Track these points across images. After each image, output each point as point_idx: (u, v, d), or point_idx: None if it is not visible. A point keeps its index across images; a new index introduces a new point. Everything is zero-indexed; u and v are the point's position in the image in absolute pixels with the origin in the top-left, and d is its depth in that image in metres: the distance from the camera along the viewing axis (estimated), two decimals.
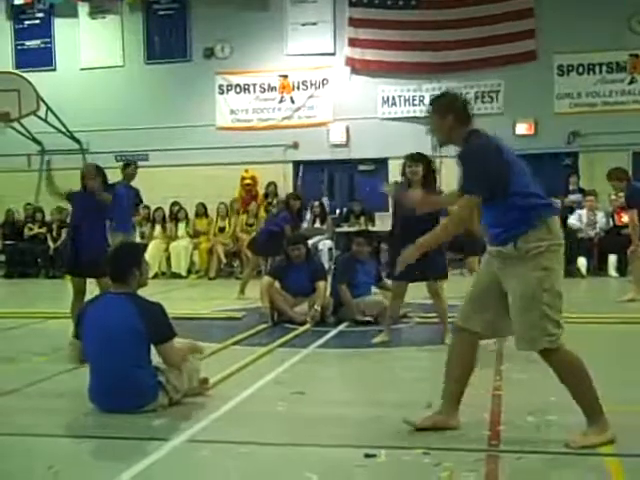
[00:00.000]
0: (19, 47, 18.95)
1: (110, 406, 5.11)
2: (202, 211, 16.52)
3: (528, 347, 4.31)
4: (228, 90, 17.92)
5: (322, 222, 15.82)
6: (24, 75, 17.12)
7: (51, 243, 16.75)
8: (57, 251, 16.42)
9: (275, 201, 16.09)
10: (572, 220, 14.41)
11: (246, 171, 16.91)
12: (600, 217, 14.43)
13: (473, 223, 4.76)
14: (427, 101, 16.33)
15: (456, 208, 4.50)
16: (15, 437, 4.72)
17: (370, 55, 17.06)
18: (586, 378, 4.28)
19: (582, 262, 13.72)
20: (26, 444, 4.60)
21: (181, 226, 16.39)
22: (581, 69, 16.52)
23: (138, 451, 4.38)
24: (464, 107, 4.56)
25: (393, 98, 17.11)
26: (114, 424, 4.89)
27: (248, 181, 16.78)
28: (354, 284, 9.10)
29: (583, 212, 14.50)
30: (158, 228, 16.29)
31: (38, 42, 18.86)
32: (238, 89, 17.89)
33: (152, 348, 5.25)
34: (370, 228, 14.85)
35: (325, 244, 15.29)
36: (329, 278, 9.56)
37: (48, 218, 17.35)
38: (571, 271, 13.52)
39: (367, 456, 4.13)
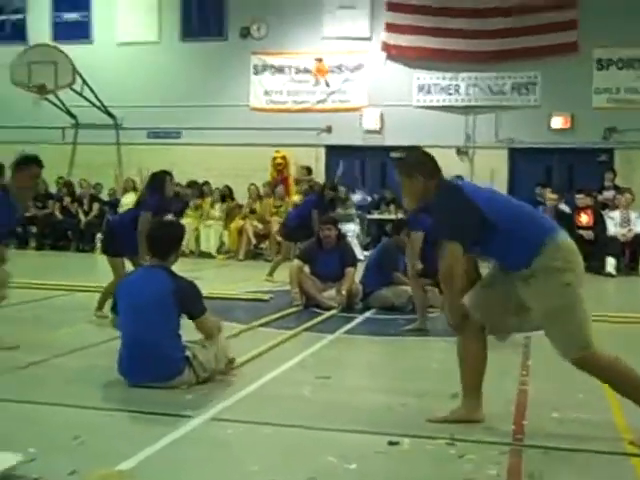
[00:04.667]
0: (57, 20, 19.08)
1: (137, 375, 5.17)
2: (227, 193, 16.51)
3: (562, 356, 4.30)
4: (263, 71, 17.91)
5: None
6: (61, 48, 17.20)
7: (82, 217, 16.85)
8: (88, 225, 16.54)
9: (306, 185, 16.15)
10: (610, 227, 14.03)
11: (277, 151, 16.91)
12: (634, 217, 14.04)
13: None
14: (463, 90, 16.55)
15: (442, 264, 4.37)
16: (43, 406, 4.78)
17: (406, 41, 16.97)
18: (629, 376, 4.22)
19: (611, 262, 13.35)
20: (54, 414, 4.65)
21: (215, 205, 16.38)
22: (621, 64, 16.31)
23: (163, 426, 4.41)
24: (430, 161, 4.53)
25: (428, 86, 17.01)
26: (141, 398, 4.94)
27: (279, 161, 16.78)
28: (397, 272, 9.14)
29: (616, 213, 14.15)
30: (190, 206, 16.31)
31: (76, 15, 18.96)
32: (273, 70, 17.87)
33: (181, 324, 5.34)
34: (400, 216, 14.77)
35: (350, 229, 15.28)
36: (359, 265, 9.54)
37: (79, 191, 17.46)
38: (598, 269, 13.23)
39: (390, 443, 4.13)
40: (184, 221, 14.28)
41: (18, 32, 19.18)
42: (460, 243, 4.31)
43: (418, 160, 4.57)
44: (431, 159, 4.55)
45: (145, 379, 5.14)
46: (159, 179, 8.30)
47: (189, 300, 5.32)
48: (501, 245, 4.30)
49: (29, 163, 6.54)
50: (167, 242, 5.53)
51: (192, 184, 13.12)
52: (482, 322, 4.49)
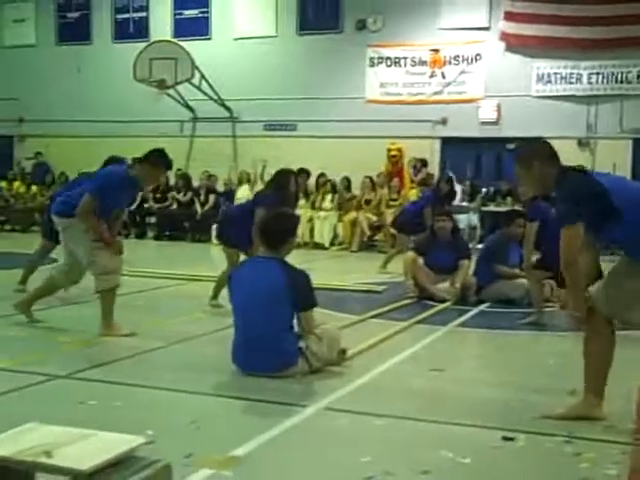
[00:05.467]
0: (177, 16, 19.51)
1: (251, 365, 5.22)
2: (345, 185, 16.55)
3: None
4: (379, 63, 17.84)
5: (470, 201, 15.71)
6: (181, 44, 17.61)
7: (199, 208, 17.21)
8: (204, 216, 16.89)
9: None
10: None
11: (392, 143, 16.86)
12: None
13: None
14: (585, 79, 16.03)
15: (562, 246, 4.21)
16: (161, 391, 4.91)
17: (526, 30, 16.54)
18: None
19: None
20: (171, 399, 4.77)
21: (326, 197, 16.49)
22: None
23: (276, 415, 4.45)
24: (547, 150, 4.42)
25: (548, 75, 16.55)
26: (254, 387, 4.99)
27: (394, 152, 16.73)
28: (506, 265, 8.93)
29: None
30: (303, 198, 16.41)
31: (196, 12, 19.34)
32: (389, 62, 17.78)
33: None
34: (517, 208, 14.50)
35: (468, 220, 15.21)
36: (473, 257, 9.40)
37: (196, 184, 17.83)
38: None
39: (505, 439, 4.04)
40: (298, 211, 14.40)
41: (141, 30, 19.75)
42: (585, 226, 4.17)
43: (535, 148, 4.49)
44: (549, 147, 4.46)
45: (259, 370, 5.18)
46: (284, 178, 8.27)
47: (301, 291, 5.29)
48: (635, 234, 4.16)
49: (162, 165, 6.68)
50: (280, 233, 5.48)
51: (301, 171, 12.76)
52: (610, 316, 4.33)
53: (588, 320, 4.33)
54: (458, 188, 16.07)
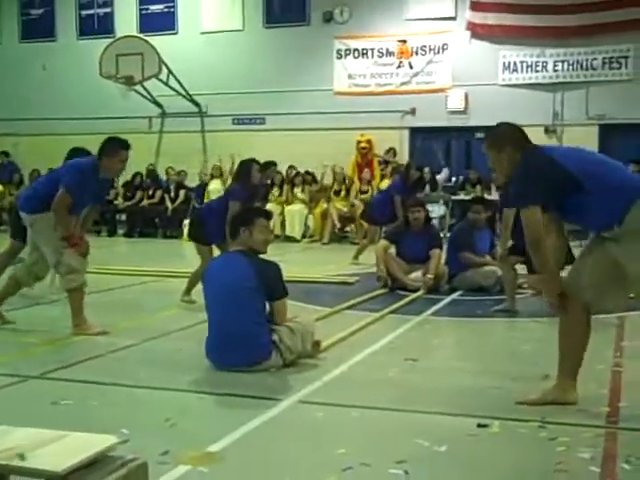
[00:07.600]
0: (143, 12, 19.42)
1: (225, 359, 5.21)
2: (310, 179, 16.56)
3: None
4: (346, 55, 17.85)
5: (432, 190, 15.76)
6: (147, 39, 17.48)
7: (169, 204, 17.13)
8: (174, 212, 16.81)
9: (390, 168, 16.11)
10: None
11: (362, 135, 16.89)
12: None
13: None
14: (551, 67, 16.13)
15: (524, 227, 4.24)
16: (135, 389, 4.87)
17: (492, 19, 16.65)
18: None
19: None
20: (146, 396, 4.74)
21: (296, 190, 16.48)
22: None
23: (251, 409, 4.43)
24: (519, 134, 4.42)
25: (514, 64, 16.68)
26: (229, 381, 4.98)
27: (364, 144, 16.77)
28: (474, 252, 8.96)
29: None
30: (274, 191, 16.39)
31: (161, 7, 19.27)
32: (356, 54, 17.80)
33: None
34: (486, 196, 14.58)
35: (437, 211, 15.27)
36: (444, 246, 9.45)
37: (165, 179, 17.75)
38: None
39: (480, 426, 4.06)
40: (268, 206, 14.37)
41: (106, 26, 19.57)
42: (542, 206, 4.19)
43: (507, 132, 4.46)
44: (520, 130, 4.45)
45: (233, 364, 5.17)
46: (246, 167, 8.30)
47: (270, 282, 5.30)
48: (593, 204, 4.14)
49: (118, 150, 6.57)
50: (233, 223, 5.55)
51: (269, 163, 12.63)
52: (587, 302, 4.32)
53: (564, 305, 4.34)
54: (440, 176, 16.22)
